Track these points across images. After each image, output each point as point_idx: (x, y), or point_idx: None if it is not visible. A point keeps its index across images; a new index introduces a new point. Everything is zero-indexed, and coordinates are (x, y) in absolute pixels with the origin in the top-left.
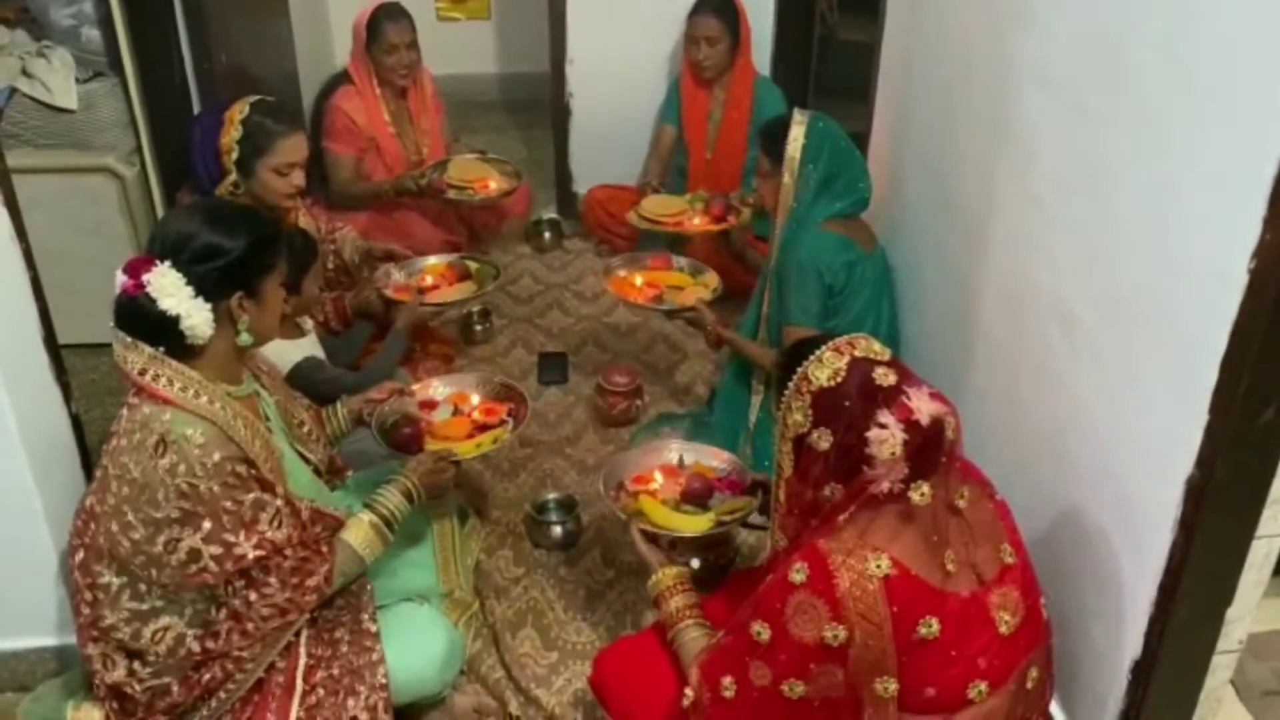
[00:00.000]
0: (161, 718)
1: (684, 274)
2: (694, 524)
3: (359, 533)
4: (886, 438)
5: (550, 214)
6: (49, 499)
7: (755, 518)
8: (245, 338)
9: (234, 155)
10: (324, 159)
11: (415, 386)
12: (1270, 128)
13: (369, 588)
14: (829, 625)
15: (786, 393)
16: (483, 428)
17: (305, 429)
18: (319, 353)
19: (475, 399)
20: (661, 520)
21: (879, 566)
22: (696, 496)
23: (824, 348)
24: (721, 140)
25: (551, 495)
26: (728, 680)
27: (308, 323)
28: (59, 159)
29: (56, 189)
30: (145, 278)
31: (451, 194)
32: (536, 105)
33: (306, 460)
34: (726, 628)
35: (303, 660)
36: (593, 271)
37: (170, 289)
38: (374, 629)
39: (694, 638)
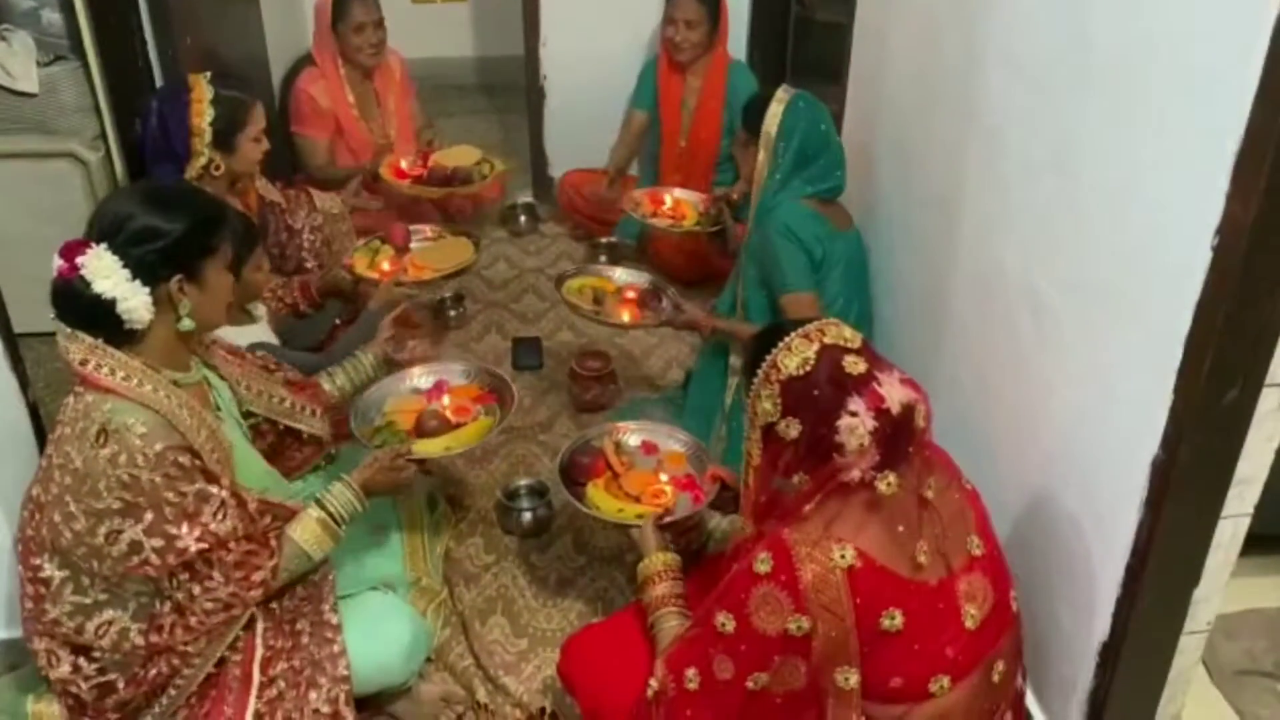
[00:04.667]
0: (112, 715)
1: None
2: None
3: (305, 529)
4: (856, 425)
5: (526, 198)
6: (4, 490)
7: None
8: (187, 323)
9: (206, 137)
10: (295, 144)
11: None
12: (1232, 105)
13: (330, 578)
14: (792, 617)
15: (755, 380)
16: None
17: (288, 404)
18: (271, 339)
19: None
20: (611, 509)
21: (843, 557)
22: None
23: (793, 334)
24: (696, 128)
25: (523, 481)
26: (691, 672)
27: (259, 309)
28: (21, 144)
29: (18, 174)
30: (79, 260)
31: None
32: (513, 88)
33: (307, 429)
34: (693, 620)
35: (259, 652)
36: (568, 256)
37: (105, 271)
38: (335, 620)
39: (672, 627)
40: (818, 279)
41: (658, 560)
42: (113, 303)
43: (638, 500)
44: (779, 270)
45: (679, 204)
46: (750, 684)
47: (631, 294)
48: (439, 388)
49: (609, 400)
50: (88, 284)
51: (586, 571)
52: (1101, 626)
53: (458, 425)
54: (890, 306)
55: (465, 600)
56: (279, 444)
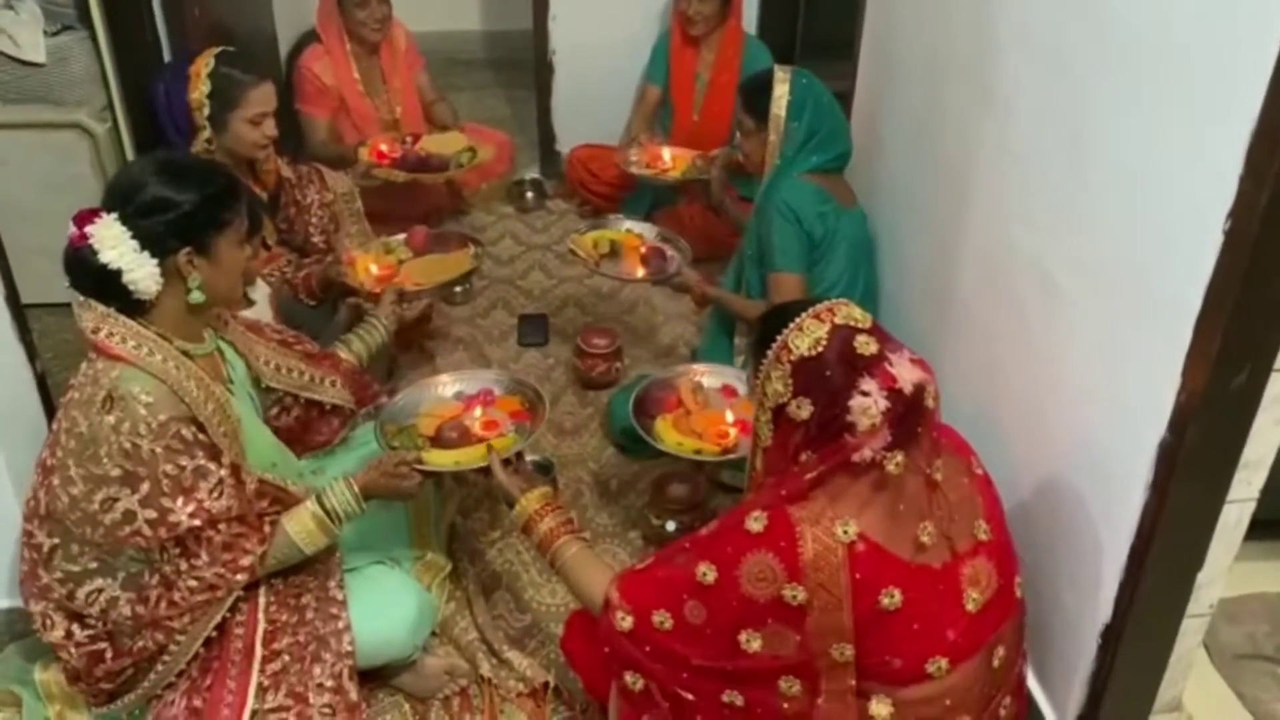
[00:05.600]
0: (104, 685)
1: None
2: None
3: (299, 523)
4: (868, 405)
5: (533, 174)
6: (12, 458)
7: (732, 477)
8: (197, 295)
9: (204, 111)
10: (298, 121)
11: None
12: (1247, 85)
13: (337, 555)
14: (788, 585)
15: (765, 361)
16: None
17: (306, 377)
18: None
19: (478, 412)
20: (672, 441)
21: (845, 532)
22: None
23: (804, 315)
24: (709, 102)
25: (529, 458)
26: (660, 616)
27: (257, 292)
28: (28, 114)
29: (27, 145)
30: (88, 229)
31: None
32: (521, 63)
33: (327, 400)
34: (656, 556)
35: (261, 625)
36: (576, 232)
37: (112, 241)
38: (341, 596)
39: (575, 553)
40: (817, 256)
41: (532, 499)
42: (119, 273)
43: (701, 438)
44: (771, 247)
45: (676, 159)
46: (743, 640)
47: (644, 249)
48: (480, 397)
49: (615, 377)
50: (95, 253)
51: (592, 547)
52: (1104, 608)
53: (481, 440)
54: (897, 285)
55: (470, 575)
56: (305, 418)
